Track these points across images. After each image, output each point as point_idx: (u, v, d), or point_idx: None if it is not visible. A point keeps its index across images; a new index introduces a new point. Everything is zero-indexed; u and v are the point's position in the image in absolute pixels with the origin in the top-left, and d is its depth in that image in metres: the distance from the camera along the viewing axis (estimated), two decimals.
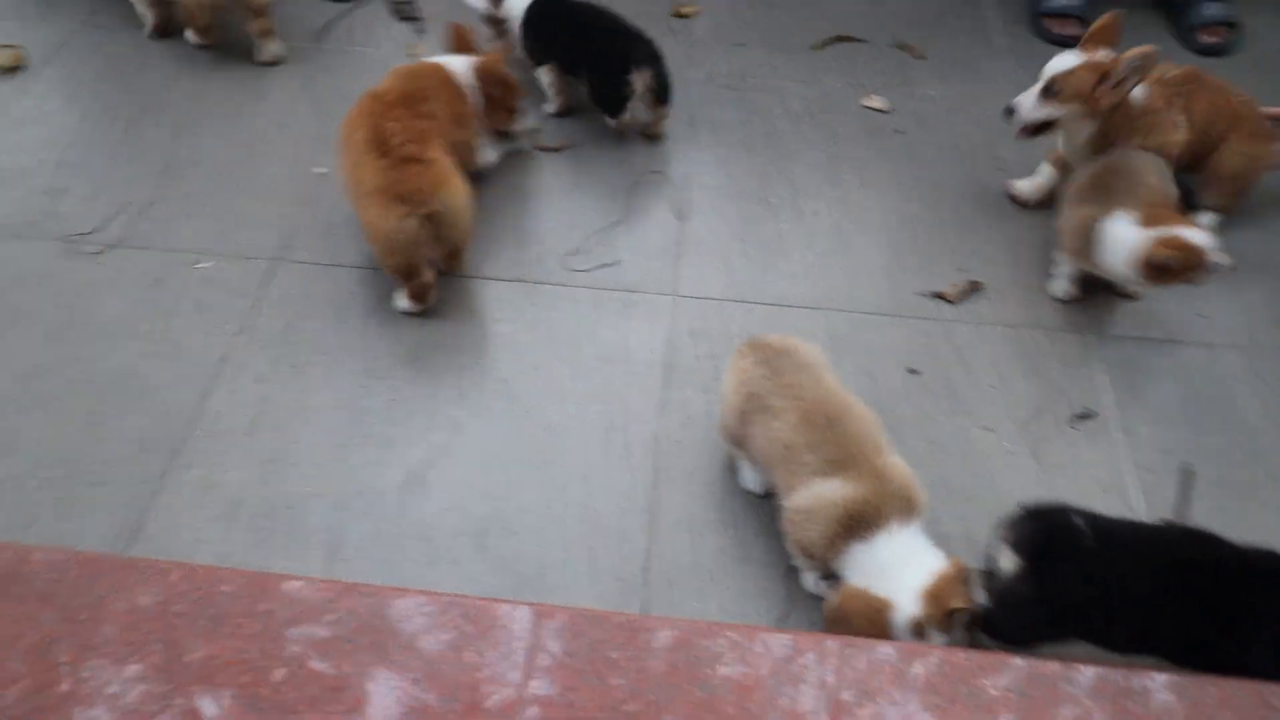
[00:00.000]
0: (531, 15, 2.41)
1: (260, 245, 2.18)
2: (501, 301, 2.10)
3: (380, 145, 1.95)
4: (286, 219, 2.25)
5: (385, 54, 2.75)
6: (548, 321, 2.06)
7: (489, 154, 2.32)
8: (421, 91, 2.10)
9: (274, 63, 2.58)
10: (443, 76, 2.18)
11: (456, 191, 1.98)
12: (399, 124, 1.98)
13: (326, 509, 1.74)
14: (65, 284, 2.09)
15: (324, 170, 2.36)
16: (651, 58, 2.21)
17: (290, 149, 2.45)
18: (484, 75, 2.20)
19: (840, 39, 2.84)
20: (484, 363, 1.97)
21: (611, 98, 2.22)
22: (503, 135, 2.35)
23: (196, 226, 2.22)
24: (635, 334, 2.04)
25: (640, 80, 2.19)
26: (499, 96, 2.23)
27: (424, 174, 1.93)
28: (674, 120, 2.52)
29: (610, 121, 2.30)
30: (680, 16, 2.95)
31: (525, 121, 2.33)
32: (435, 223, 1.95)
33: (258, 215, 2.25)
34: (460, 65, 2.21)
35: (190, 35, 2.62)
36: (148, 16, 2.63)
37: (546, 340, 2.02)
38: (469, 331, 2.04)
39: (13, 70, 2.65)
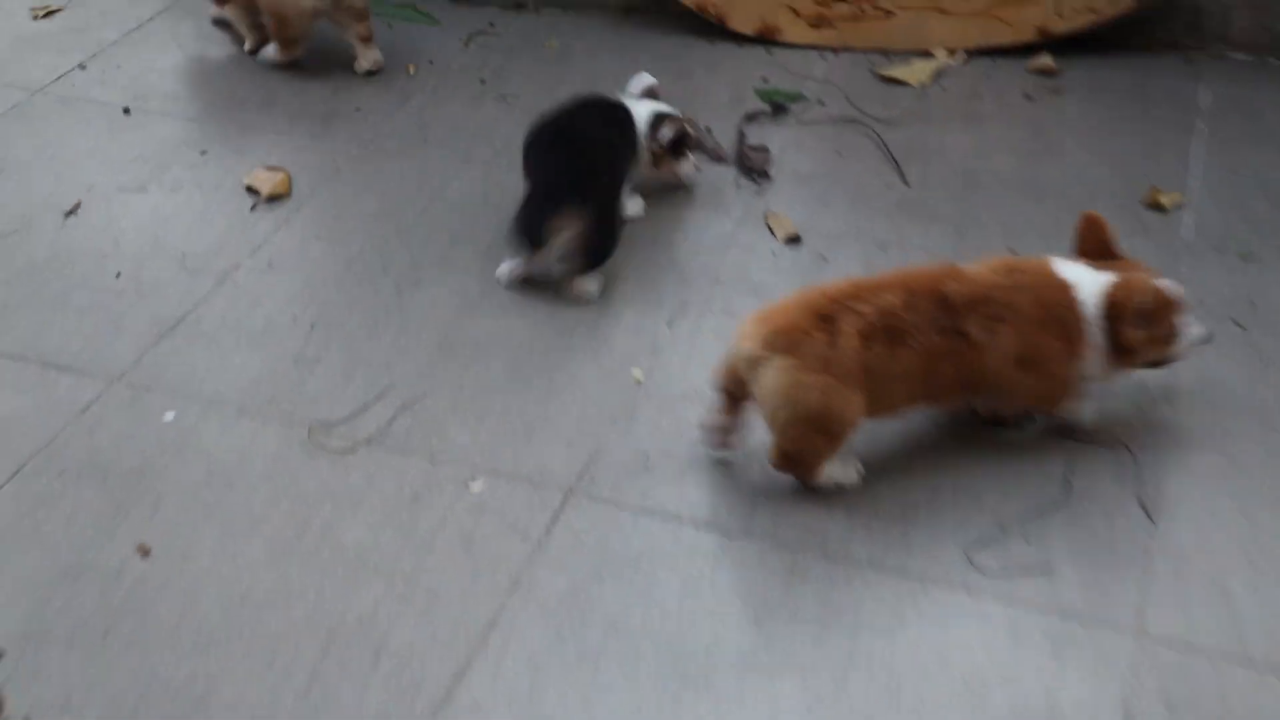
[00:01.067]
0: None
1: (552, 469, 2.37)
2: (876, 601, 2.13)
3: (833, 296, 2.18)
4: (590, 438, 2.44)
5: (733, 225, 3.00)
6: (940, 643, 2.05)
7: (1085, 410, 2.37)
8: (1004, 305, 2.22)
9: (374, 71, 3.53)
10: (1056, 296, 2.23)
11: (790, 380, 2.15)
12: (893, 300, 2.18)
13: None
14: (302, 487, 2.35)
15: (643, 377, 2.57)
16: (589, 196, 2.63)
17: (605, 343, 2.69)
18: (1120, 310, 2.20)
19: None
20: (845, 690, 1.98)
21: (518, 238, 2.65)
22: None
23: (472, 432, 2.46)
24: (1073, 687, 1.98)
25: (563, 226, 2.56)
26: (1145, 338, 2.26)
27: (793, 329, 2.15)
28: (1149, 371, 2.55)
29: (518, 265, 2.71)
30: (1155, 208, 3.03)
31: (1193, 336, 2.31)
32: (751, 381, 2.17)
33: (553, 428, 2.46)
34: (1089, 285, 2.23)
35: (272, 51, 3.54)
36: (248, 38, 3.59)
37: (937, 673, 2.01)
38: (826, 639, 2.07)
39: (277, 198, 3.13)
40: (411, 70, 3.74)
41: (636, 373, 2.57)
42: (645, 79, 3.07)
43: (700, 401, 2.45)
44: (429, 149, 3.35)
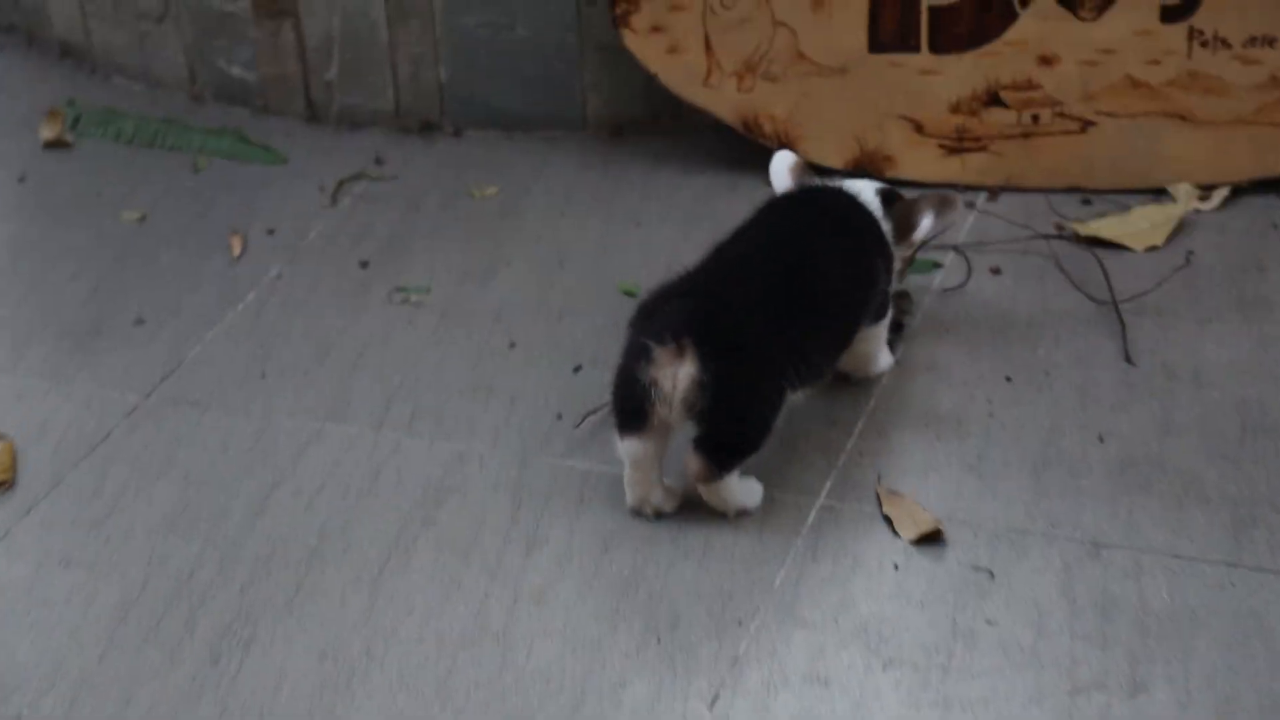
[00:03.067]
0: None
1: None
2: None
3: None
4: None
5: (817, 514, 3.01)
6: None
7: None
8: None
9: None
10: None
11: None
12: None
13: None
14: None
15: None
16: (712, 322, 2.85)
17: None
18: None
19: None
20: None
21: (618, 396, 2.91)
22: None
23: None
24: None
25: (671, 369, 2.80)
26: None
27: None
28: None
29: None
30: None
31: None
32: None
33: None
34: None
35: None
36: None
37: None
38: None
39: None
40: (237, 249, 3.79)
41: None
42: (788, 158, 3.28)
43: None
44: (269, 392, 3.40)
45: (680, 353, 2.78)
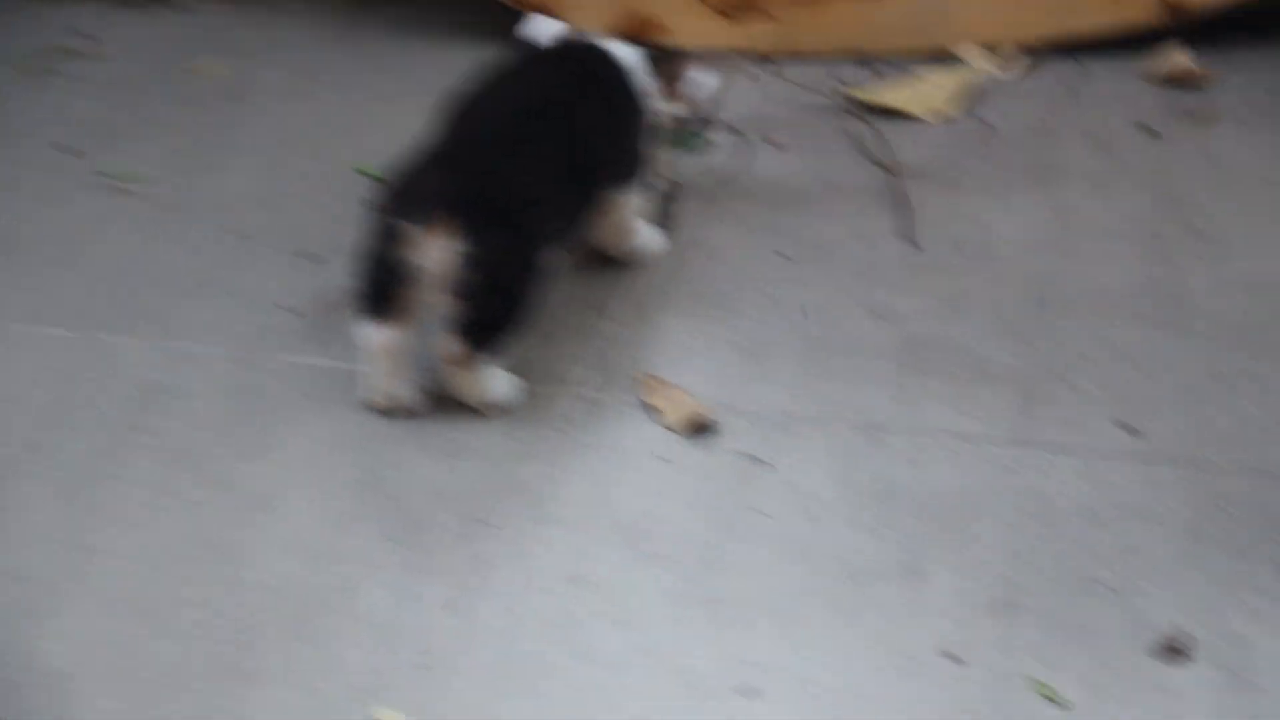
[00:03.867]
0: None
1: None
2: None
3: None
4: None
5: (572, 401, 3.03)
6: None
7: None
8: None
9: None
10: None
11: None
12: None
13: None
14: None
15: None
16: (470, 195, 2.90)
17: (323, 647, 2.62)
18: None
19: None
20: None
21: (364, 280, 2.94)
22: None
23: None
24: None
25: (429, 247, 2.85)
26: None
27: None
28: None
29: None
30: None
31: None
32: None
33: None
34: None
35: None
36: None
37: None
38: None
39: None
40: None
41: (384, 713, 2.55)
42: (548, 26, 3.32)
43: None
44: None
45: (440, 229, 2.80)
